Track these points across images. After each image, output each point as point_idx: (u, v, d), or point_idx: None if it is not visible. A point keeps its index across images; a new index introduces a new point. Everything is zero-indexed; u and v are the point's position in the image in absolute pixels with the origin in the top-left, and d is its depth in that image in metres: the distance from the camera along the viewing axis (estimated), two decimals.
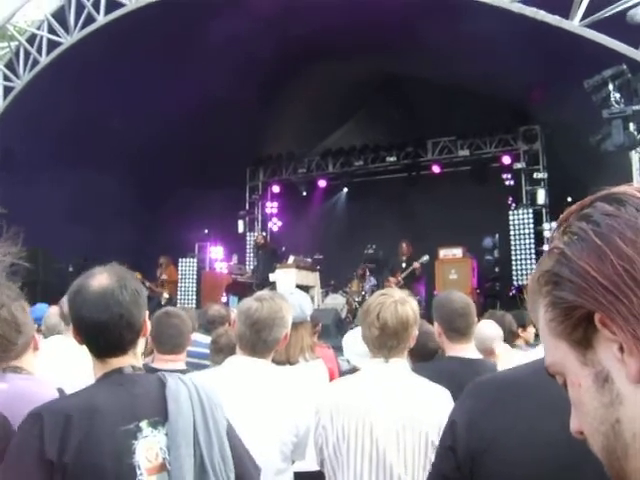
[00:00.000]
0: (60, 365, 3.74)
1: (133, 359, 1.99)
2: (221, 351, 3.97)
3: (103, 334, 1.93)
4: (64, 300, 3.92)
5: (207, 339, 4.45)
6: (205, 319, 4.81)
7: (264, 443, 2.67)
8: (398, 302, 2.79)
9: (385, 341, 2.76)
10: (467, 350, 3.45)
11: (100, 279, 1.96)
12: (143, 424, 1.87)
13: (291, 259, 14.28)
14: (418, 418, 2.66)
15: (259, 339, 2.81)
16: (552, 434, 1.24)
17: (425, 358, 3.73)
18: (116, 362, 1.96)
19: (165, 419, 1.90)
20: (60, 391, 2.94)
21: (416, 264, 13.33)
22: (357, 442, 2.69)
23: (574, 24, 8.54)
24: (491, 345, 4.22)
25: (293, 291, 4.10)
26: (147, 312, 2.06)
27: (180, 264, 16.58)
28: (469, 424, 1.36)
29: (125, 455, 1.81)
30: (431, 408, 2.68)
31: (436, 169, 16.58)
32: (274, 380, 2.89)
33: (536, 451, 1.27)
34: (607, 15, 8.36)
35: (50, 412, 1.82)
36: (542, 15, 8.62)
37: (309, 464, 3.05)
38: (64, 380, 3.56)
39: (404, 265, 13.68)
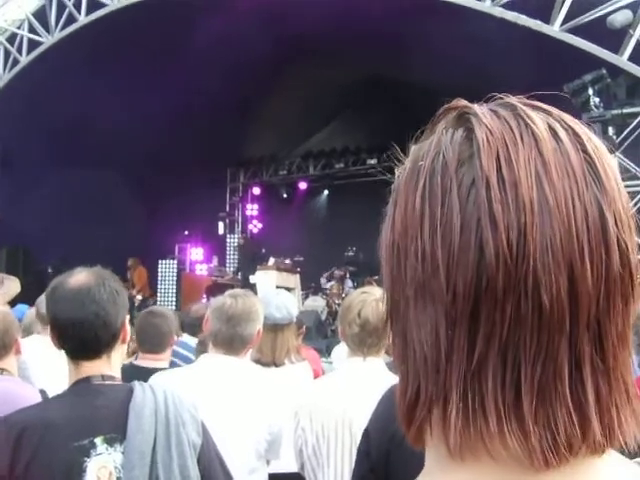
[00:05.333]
0: (36, 365, 3.71)
1: (107, 366, 1.90)
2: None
3: (78, 333, 1.85)
4: (40, 300, 3.88)
5: (194, 341, 4.38)
6: (188, 319, 4.74)
7: (238, 441, 2.66)
8: (379, 300, 2.79)
9: (365, 338, 2.74)
10: None
11: (79, 277, 1.90)
12: (98, 440, 1.78)
13: (271, 261, 14.24)
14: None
15: (236, 334, 2.79)
16: None
17: None
18: (89, 367, 1.87)
19: (124, 435, 1.80)
20: (42, 392, 2.93)
21: None
22: (337, 440, 2.68)
23: (554, 29, 8.62)
24: None
25: (279, 292, 4.08)
26: (127, 315, 1.97)
27: (160, 265, 16.49)
28: (380, 429, 1.37)
29: (75, 473, 1.73)
30: None
31: None
32: (248, 378, 2.87)
33: None
34: (587, 20, 8.44)
35: (7, 424, 1.77)
36: (523, 20, 8.69)
37: (286, 465, 3.03)
38: (40, 380, 3.54)
39: None
